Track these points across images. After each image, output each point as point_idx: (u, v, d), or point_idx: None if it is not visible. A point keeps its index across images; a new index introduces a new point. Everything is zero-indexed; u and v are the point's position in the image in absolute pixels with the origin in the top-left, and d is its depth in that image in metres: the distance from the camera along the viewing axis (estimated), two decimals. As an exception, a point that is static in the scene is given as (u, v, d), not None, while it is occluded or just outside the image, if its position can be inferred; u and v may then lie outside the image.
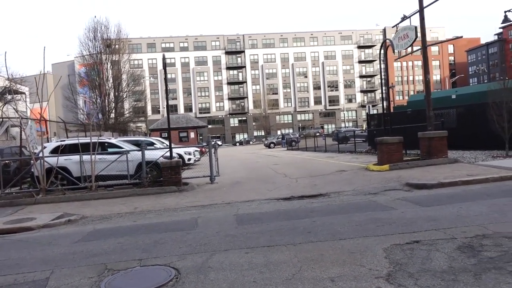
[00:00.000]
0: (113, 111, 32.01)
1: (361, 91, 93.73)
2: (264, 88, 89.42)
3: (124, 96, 32.90)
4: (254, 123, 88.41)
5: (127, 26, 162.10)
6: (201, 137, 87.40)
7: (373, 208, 7.40)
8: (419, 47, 13.46)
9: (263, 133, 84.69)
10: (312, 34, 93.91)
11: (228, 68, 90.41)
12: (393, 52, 12.97)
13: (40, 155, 12.05)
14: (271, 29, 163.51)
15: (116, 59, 32.24)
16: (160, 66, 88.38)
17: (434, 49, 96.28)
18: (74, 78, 41.59)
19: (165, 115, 73.36)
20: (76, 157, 12.41)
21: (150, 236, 6.55)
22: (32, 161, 11.95)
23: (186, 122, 39.02)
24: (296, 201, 8.98)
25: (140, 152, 12.32)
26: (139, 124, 49.31)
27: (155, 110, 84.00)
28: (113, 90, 31.94)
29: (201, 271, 4.56)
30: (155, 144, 19.02)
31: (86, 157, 12.05)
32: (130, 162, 12.44)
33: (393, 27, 14.30)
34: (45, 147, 12.78)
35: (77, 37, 44.51)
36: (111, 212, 9.24)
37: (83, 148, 12.21)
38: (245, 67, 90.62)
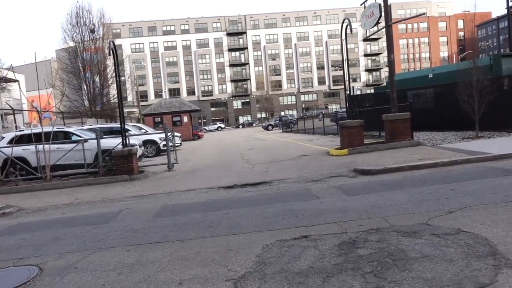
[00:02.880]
0: (100, 97, 31.90)
1: (366, 70, 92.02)
2: (266, 69, 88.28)
3: (110, 82, 32.70)
4: (257, 105, 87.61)
5: (126, 9, 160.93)
6: (204, 120, 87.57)
7: (298, 198, 7.14)
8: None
9: (266, 115, 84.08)
10: (315, 13, 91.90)
11: (230, 50, 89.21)
12: (351, 32, 12.41)
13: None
14: (273, 8, 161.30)
15: (100, 45, 31.97)
16: (161, 49, 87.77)
17: (441, 25, 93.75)
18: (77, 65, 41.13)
19: (167, 97, 72.59)
20: (34, 147, 12.32)
21: (59, 231, 6.42)
22: (-12, 152, 11.91)
23: (179, 106, 38.78)
24: (235, 190, 8.77)
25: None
26: (133, 109, 49.15)
27: (158, 94, 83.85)
28: (98, 76, 31.77)
29: (63, 272, 4.40)
30: (130, 130, 18.85)
31: (45, 147, 11.95)
32: (88, 151, 12.33)
33: (361, 4, 13.69)
34: (3, 138, 12.72)
35: (59, 23, 43.55)
36: (51, 203, 9.16)
37: (43, 138, 12.10)
38: (247, 48, 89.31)
